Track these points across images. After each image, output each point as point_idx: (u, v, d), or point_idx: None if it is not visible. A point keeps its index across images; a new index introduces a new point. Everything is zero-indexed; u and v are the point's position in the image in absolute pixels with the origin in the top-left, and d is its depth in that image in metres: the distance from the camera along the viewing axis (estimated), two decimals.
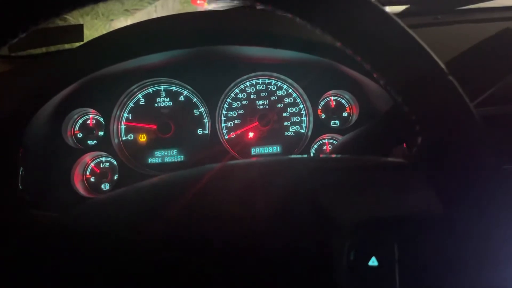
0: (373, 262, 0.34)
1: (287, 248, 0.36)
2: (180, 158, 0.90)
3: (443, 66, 0.31)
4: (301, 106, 0.91)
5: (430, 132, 0.32)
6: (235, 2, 0.88)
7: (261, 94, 0.91)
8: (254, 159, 0.45)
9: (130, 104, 0.90)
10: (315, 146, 0.90)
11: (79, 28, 0.89)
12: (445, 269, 0.33)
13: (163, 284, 0.36)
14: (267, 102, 0.91)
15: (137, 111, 0.90)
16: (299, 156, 0.81)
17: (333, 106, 0.91)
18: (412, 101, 0.32)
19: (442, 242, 0.33)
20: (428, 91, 0.31)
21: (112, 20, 3.18)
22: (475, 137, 0.31)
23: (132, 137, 0.90)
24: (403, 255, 0.33)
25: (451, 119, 0.31)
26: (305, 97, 0.89)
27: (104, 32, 0.83)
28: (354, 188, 0.37)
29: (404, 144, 0.77)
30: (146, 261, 0.37)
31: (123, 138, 0.89)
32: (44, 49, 1.03)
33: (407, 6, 0.95)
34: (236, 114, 0.91)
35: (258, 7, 0.33)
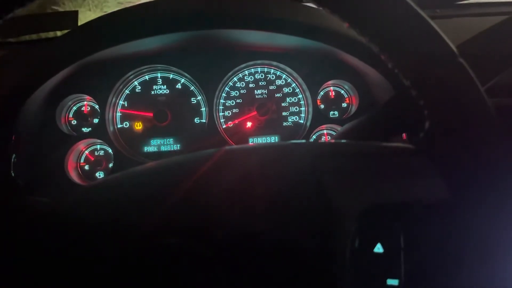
0: (378, 249, 0.33)
1: (289, 234, 0.35)
2: (177, 147, 0.88)
3: (453, 48, 0.30)
4: (300, 96, 0.90)
5: (439, 116, 0.31)
6: None
7: (260, 83, 0.90)
8: (255, 144, 0.44)
9: (126, 91, 0.88)
10: (314, 136, 0.89)
11: (73, 15, 0.87)
12: (450, 256, 0.33)
13: (160, 270, 0.35)
14: (266, 91, 0.90)
15: (133, 99, 0.88)
16: (302, 141, 0.80)
17: (332, 97, 0.90)
18: (421, 84, 0.31)
19: (448, 229, 0.33)
20: (437, 73, 0.30)
21: (105, 12, 3.14)
22: (486, 122, 0.30)
23: (128, 125, 0.88)
24: (409, 242, 0.33)
25: (461, 103, 0.30)
26: (304, 87, 0.88)
27: None
28: (359, 174, 0.36)
29: (404, 135, 0.76)
30: (143, 247, 0.36)
31: (119, 126, 0.88)
32: (37, 36, 1.01)
33: None
34: (234, 103, 0.90)
35: None
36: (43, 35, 1.01)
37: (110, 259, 0.36)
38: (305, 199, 0.35)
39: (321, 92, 0.90)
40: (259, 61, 0.88)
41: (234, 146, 0.41)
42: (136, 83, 0.88)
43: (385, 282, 0.33)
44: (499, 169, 0.30)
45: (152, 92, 0.88)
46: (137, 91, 0.88)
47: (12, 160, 0.70)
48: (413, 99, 0.32)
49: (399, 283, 0.32)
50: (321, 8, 0.32)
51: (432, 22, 0.30)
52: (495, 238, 0.31)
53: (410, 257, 0.33)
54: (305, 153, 0.39)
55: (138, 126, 0.88)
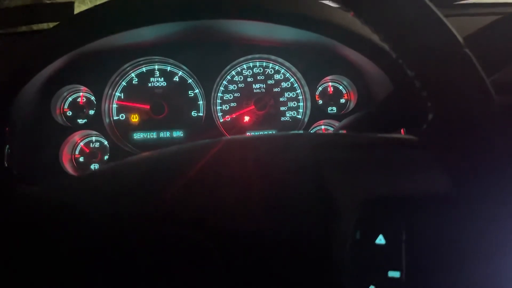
0: (380, 240, 0.33)
1: (290, 225, 0.35)
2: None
3: (459, 38, 0.30)
4: (299, 91, 0.89)
5: (443, 108, 0.31)
6: None
7: (258, 77, 0.89)
8: (255, 135, 0.43)
9: (123, 83, 0.87)
10: (311, 132, 0.89)
11: (69, 6, 0.86)
12: (452, 249, 0.32)
13: (158, 260, 0.34)
14: (264, 86, 0.89)
15: (129, 91, 0.87)
16: (303, 132, 0.79)
17: (330, 92, 0.90)
18: (425, 75, 0.31)
19: (450, 221, 0.33)
20: (442, 64, 0.30)
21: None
22: (491, 115, 0.30)
23: (124, 117, 0.87)
24: (411, 234, 0.32)
25: (466, 95, 0.30)
26: (302, 82, 0.88)
27: None
28: (361, 164, 0.36)
29: (402, 131, 0.76)
30: (139, 236, 0.35)
31: (115, 118, 0.87)
32: (31, 27, 0.99)
33: None
34: (232, 97, 0.89)
35: None
36: (39, 26, 0.99)
37: (102, 247, 0.35)
38: (306, 189, 0.35)
39: (319, 88, 0.89)
40: (257, 55, 0.87)
41: (234, 136, 0.41)
42: (133, 75, 0.87)
43: (387, 274, 0.32)
44: (504, 162, 0.30)
45: (149, 84, 0.87)
46: (133, 83, 0.87)
47: (6, 151, 0.69)
48: (416, 90, 0.32)
49: (401, 275, 0.32)
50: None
51: (439, 12, 0.30)
52: (498, 231, 0.31)
53: (412, 249, 0.32)
54: (305, 144, 0.38)
55: (135, 118, 0.87)
